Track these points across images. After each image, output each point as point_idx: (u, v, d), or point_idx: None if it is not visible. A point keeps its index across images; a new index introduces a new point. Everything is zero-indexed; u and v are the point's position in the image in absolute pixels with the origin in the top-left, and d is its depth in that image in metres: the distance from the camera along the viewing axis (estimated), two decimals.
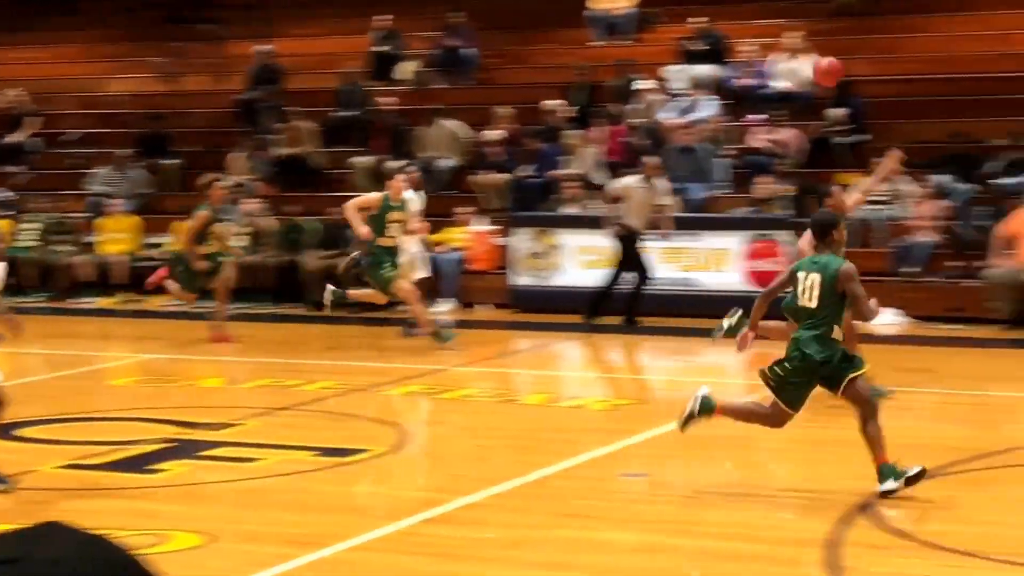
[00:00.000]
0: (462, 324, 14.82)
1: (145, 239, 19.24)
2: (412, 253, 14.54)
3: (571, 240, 16.98)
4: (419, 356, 13.88)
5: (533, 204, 17.73)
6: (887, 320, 14.01)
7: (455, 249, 17.36)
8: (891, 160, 11.75)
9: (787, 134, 17.61)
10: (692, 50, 19.28)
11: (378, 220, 13.80)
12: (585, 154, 17.95)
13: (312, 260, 17.51)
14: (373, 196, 14.07)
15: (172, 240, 18.87)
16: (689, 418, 8.37)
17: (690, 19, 19.55)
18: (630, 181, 15.51)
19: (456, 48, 20.69)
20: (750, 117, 18.07)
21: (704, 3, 19.98)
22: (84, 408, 11.61)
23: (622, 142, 18.18)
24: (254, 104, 20.71)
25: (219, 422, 10.52)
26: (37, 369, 13.47)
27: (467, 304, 17.17)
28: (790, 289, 8.23)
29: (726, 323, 9.69)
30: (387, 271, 13.80)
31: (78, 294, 18.85)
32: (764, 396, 8.41)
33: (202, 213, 14.76)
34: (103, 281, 18.90)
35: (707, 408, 8.35)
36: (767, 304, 8.53)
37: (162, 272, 15.30)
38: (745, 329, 8.73)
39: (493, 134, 18.67)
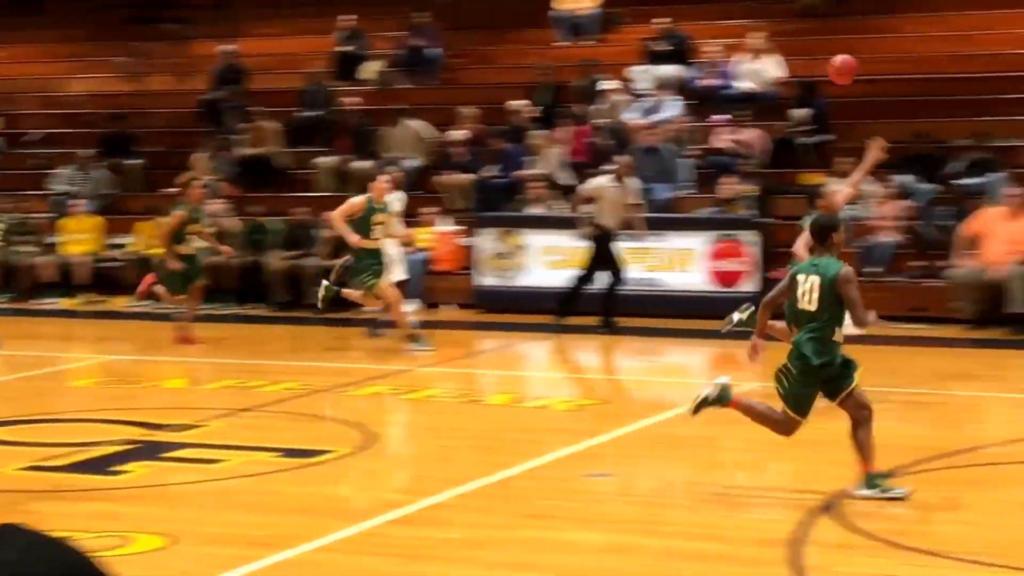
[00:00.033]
0: (427, 325, 14.78)
1: (108, 239, 19.12)
2: (392, 255, 14.47)
3: (536, 240, 16.98)
4: (383, 357, 13.85)
5: (498, 204, 17.72)
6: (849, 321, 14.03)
7: (420, 250, 17.33)
8: (874, 149, 11.71)
9: (751, 134, 17.67)
10: (656, 50, 19.31)
11: (362, 223, 13.70)
12: (550, 154, 17.96)
13: (276, 260, 17.45)
14: (357, 201, 13.85)
15: (135, 240, 18.80)
16: (704, 403, 8.26)
17: (654, 19, 19.58)
18: (602, 181, 15.49)
19: (420, 48, 20.66)
20: (714, 117, 18.11)
21: (668, 4, 20.02)
22: (46, 409, 11.53)
23: (587, 142, 18.20)
24: (218, 104, 20.62)
25: (182, 423, 10.47)
26: None
27: (432, 305, 17.14)
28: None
29: (736, 316, 9.60)
30: (370, 275, 13.71)
31: (40, 295, 18.72)
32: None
33: (179, 212, 14.70)
34: (66, 282, 18.78)
35: (723, 398, 8.23)
36: (771, 312, 8.42)
37: (149, 279, 15.12)
38: (753, 337, 8.59)
39: (458, 134, 18.65)
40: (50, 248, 19.17)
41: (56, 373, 13.78)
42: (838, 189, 11.54)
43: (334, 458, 9.33)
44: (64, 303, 18.46)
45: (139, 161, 20.50)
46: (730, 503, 8.24)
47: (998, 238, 14.97)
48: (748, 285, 16.15)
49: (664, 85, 18.57)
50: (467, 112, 18.80)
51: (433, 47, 20.72)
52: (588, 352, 15.26)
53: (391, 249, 14.39)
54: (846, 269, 8.00)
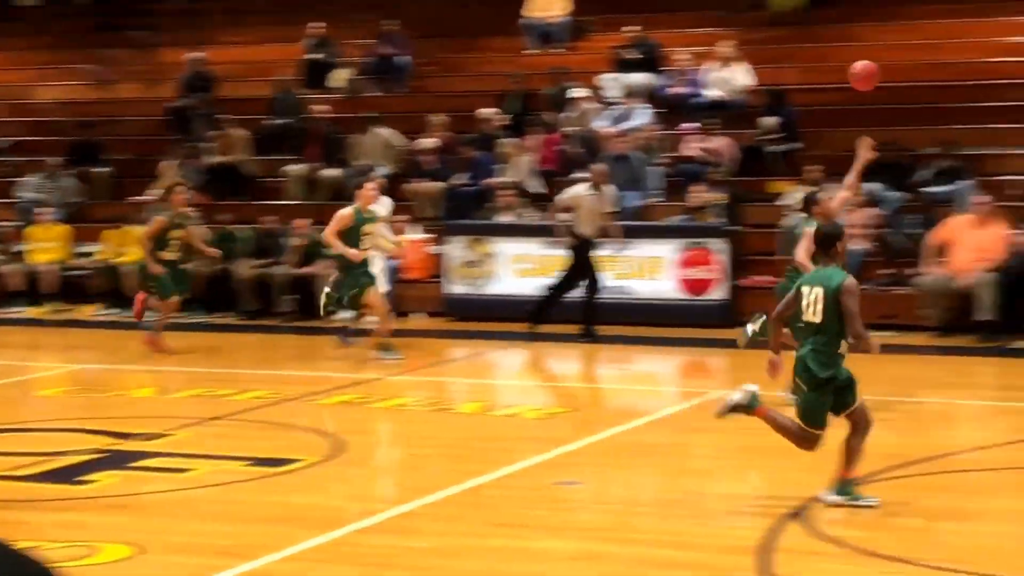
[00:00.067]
0: (396, 333, 14.76)
1: (76, 248, 19.02)
2: (379, 266, 14.43)
3: (506, 248, 16.98)
4: (353, 365, 13.82)
5: (467, 212, 17.72)
6: None
7: (389, 258, 17.29)
8: (864, 149, 11.69)
9: (720, 142, 17.72)
10: (626, 59, 19.35)
11: (352, 234, 13.66)
12: (520, 162, 17.97)
13: (244, 269, 17.40)
14: (346, 213, 13.74)
15: (102, 248, 18.70)
16: (732, 408, 8.18)
17: (624, 28, 19.63)
18: (579, 190, 15.49)
19: (390, 56, 20.66)
20: (683, 125, 18.16)
21: (638, 12, 20.07)
22: (13, 419, 11.47)
23: (557, 150, 18.22)
24: (186, 112, 20.56)
25: (150, 432, 10.42)
26: None
27: (401, 313, 17.10)
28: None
29: (750, 329, 9.26)
30: (358, 286, 13.68)
31: (7, 304, 18.61)
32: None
33: (160, 218, 14.65)
34: (33, 291, 18.67)
35: (751, 405, 8.13)
36: (782, 326, 8.32)
37: (140, 297, 14.94)
38: (770, 354, 8.53)
39: (427, 142, 18.64)
40: (17, 256, 19.06)
41: (23, 382, 13.70)
42: (833, 195, 11.47)
43: (303, 467, 9.30)
44: (31, 312, 18.36)
45: (107, 169, 20.42)
46: (700, 511, 8.26)
47: (966, 246, 15.06)
48: (717, 293, 16.20)
49: (634, 93, 18.62)
50: (437, 120, 18.79)
51: (402, 55, 20.71)
52: (558, 360, 15.26)
53: (378, 261, 14.35)
54: (850, 280, 7.96)
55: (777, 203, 16.91)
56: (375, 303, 13.81)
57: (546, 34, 20.63)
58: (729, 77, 18.63)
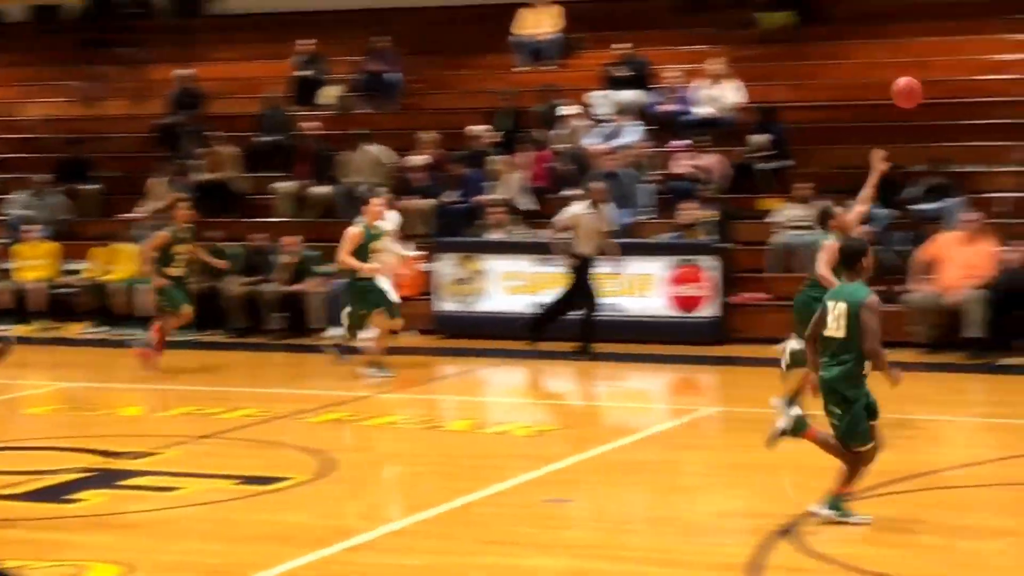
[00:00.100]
0: (387, 351, 14.77)
1: (63, 265, 19.02)
2: (385, 281, 14.47)
3: (496, 266, 17.02)
4: (343, 383, 13.84)
5: (458, 229, 17.76)
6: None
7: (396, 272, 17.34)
8: (877, 162, 11.69)
9: (710, 160, 17.79)
10: (616, 76, 19.42)
11: (361, 252, 13.74)
12: (510, 179, 18.03)
13: (233, 286, 17.42)
14: (355, 232, 13.82)
15: (90, 266, 18.69)
16: (782, 434, 8.18)
17: (614, 45, 19.70)
18: (577, 209, 15.55)
19: (380, 73, 20.71)
20: (674, 143, 18.22)
21: (628, 29, 20.15)
22: (0, 437, 11.46)
23: (547, 167, 18.28)
24: (175, 129, 20.59)
25: (139, 451, 10.43)
26: None
27: (391, 331, 17.11)
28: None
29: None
30: (366, 306, 13.77)
31: None
32: None
33: (162, 233, 14.69)
34: (20, 308, 18.67)
35: (800, 428, 8.14)
36: (816, 344, 8.17)
37: (156, 327, 14.78)
38: (810, 375, 8.48)
39: (418, 159, 18.69)
40: (4, 274, 19.06)
41: (10, 400, 13.70)
42: (848, 208, 11.47)
43: (292, 485, 9.33)
44: (19, 330, 18.33)
45: (95, 186, 20.43)
46: (689, 528, 8.30)
47: (955, 263, 15.13)
48: (708, 310, 16.25)
49: (624, 110, 18.69)
50: (427, 137, 18.85)
51: (393, 72, 20.77)
52: (548, 377, 15.30)
53: (382, 278, 14.38)
54: (873, 297, 7.96)
55: (767, 220, 16.99)
56: (380, 324, 13.89)
57: (536, 51, 20.71)
58: (719, 95, 18.71)
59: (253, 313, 17.38)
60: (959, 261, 15.11)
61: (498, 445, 11.00)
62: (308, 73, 20.96)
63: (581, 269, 15.35)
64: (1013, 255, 15.18)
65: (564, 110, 18.87)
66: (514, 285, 16.87)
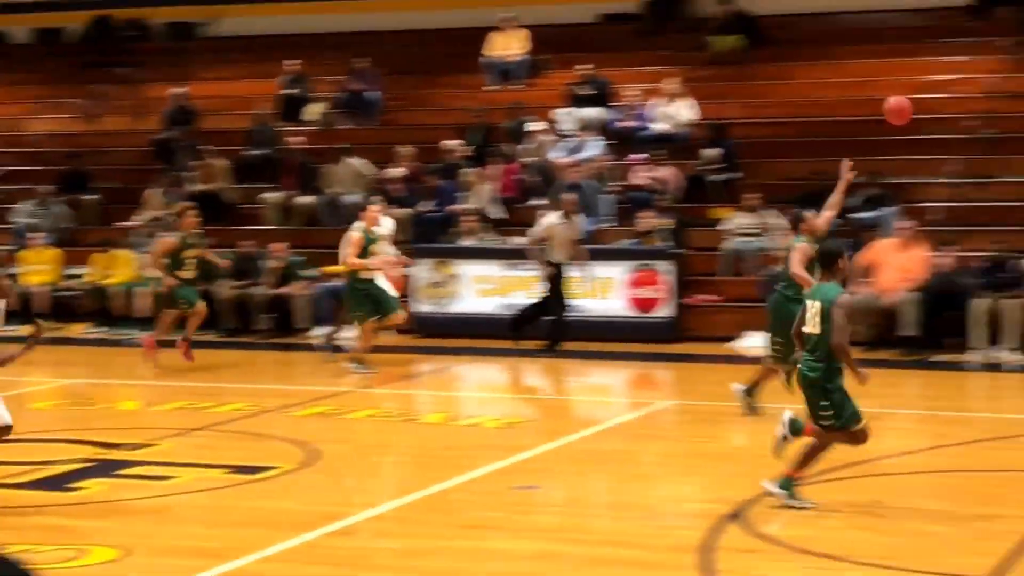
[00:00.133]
0: (370, 349, 14.72)
1: (65, 270, 18.92)
2: (383, 282, 14.42)
3: (469, 270, 17.01)
4: (327, 379, 13.80)
5: (433, 237, 17.74)
6: (755, 343, 14.17)
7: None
8: (845, 170, 11.68)
9: (666, 172, 17.81)
10: (579, 94, 19.43)
11: (362, 255, 13.71)
12: (481, 190, 18.02)
13: (225, 290, 17.34)
14: (358, 237, 13.80)
15: (91, 271, 18.58)
16: (784, 441, 8.11)
17: (577, 66, 19.70)
18: (552, 220, 15.58)
19: (361, 91, 20.67)
20: (632, 156, 18.23)
21: (590, 51, 20.16)
22: None
23: (515, 179, 18.28)
24: (170, 143, 20.50)
25: (136, 443, 10.37)
26: None
27: (396, 325, 17.07)
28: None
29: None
30: (362, 308, 13.71)
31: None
32: None
33: (168, 239, 14.59)
34: (25, 310, 18.52)
35: (797, 429, 8.09)
36: (801, 340, 8.14)
37: (183, 346, 14.50)
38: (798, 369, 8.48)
39: (395, 171, 18.65)
40: (11, 278, 18.91)
41: (16, 396, 13.56)
42: (818, 213, 11.47)
43: (279, 474, 9.29)
44: (24, 330, 18.16)
45: (95, 197, 20.31)
46: (647, 512, 8.30)
47: (891, 267, 15.20)
48: (664, 311, 16.27)
49: (587, 126, 18.71)
50: (404, 151, 18.81)
51: (372, 90, 20.72)
52: (518, 373, 15.28)
53: (379, 279, 14.34)
54: (844, 296, 7.95)
55: (719, 228, 17.03)
56: (367, 328, 13.83)
57: (505, 72, 20.70)
58: (674, 112, 18.75)
59: (243, 314, 17.31)
60: (895, 265, 15.18)
61: (470, 436, 10.98)
62: (294, 91, 20.89)
63: (555, 276, 15.42)
64: (944, 260, 15.26)
65: (531, 126, 18.88)
66: (485, 288, 16.86)
